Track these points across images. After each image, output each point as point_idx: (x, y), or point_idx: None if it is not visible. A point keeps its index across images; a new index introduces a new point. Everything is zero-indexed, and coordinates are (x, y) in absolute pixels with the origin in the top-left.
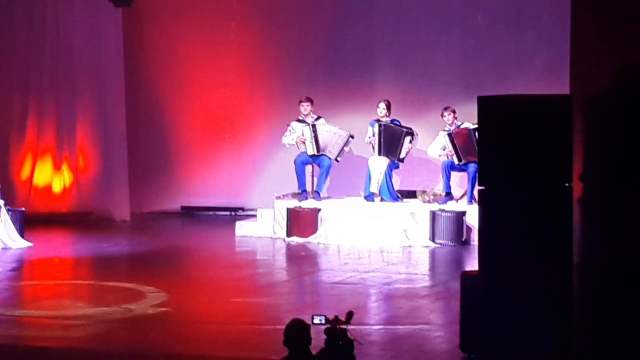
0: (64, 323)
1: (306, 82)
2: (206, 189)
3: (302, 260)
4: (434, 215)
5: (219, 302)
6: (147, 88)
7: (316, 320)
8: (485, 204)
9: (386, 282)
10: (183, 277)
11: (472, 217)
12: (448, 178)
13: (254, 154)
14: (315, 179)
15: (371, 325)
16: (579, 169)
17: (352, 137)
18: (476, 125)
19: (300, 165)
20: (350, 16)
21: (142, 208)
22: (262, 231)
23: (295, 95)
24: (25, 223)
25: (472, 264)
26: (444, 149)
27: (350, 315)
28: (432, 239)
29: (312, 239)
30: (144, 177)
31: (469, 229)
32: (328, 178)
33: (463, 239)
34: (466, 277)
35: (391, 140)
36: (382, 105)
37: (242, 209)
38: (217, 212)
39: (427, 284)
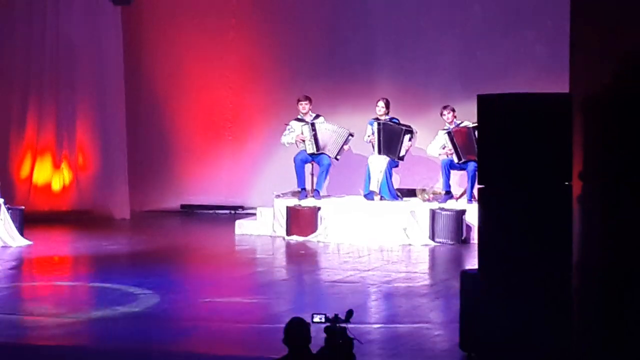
0: (64, 322)
1: (306, 80)
2: (206, 188)
3: (301, 258)
4: (433, 213)
5: (218, 301)
6: (147, 86)
7: (316, 319)
8: (485, 202)
9: (386, 281)
10: (183, 276)
11: (472, 216)
12: (448, 177)
13: (253, 153)
14: (315, 178)
15: (371, 323)
16: (578, 167)
17: (351, 135)
18: (476, 124)
19: (300, 164)
20: (350, 14)
21: (142, 206)
22: (262, 230)
23: (294, 94)
24: (25, 221)
25: (472, 263)
26: (443, 148)
27: (350, 313)
28: (432, 237)
29: (311, 237)
30: (143, 175)
31: (469, 228)
32: (328, 176)
33: (463, 238)
34: (466, 275)
35: (391, 139)
36: (381, 103)
37: (242, 208)
38: (216, 211)
39: (426, 282)
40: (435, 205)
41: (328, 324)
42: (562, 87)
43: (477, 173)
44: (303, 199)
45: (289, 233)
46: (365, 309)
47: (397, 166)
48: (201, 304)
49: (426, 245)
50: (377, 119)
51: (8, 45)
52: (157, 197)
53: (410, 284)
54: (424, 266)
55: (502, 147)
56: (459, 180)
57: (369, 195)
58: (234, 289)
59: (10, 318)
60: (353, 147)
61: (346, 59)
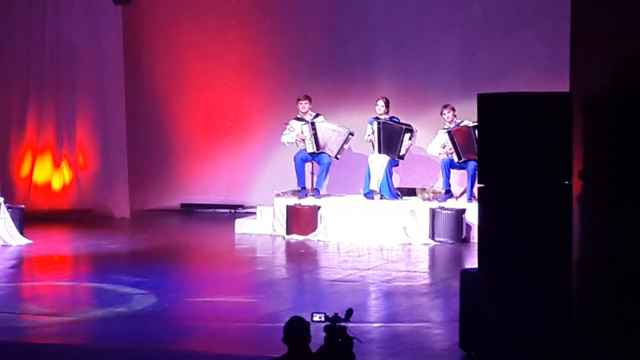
0: (63, 320)
1: (306, 80)
2: (206, 187)
3: (301, 257)
4: (433, 212)
5: (218, 300)
6: (147, 86)
7: (316, 318)
8: (485, 201)
9: (386, 280)
10: (182, 275)
11: (472, 215)
12: (448, 176)
13: (253, 152)
14: (315, 177)
15: (371, 322)
16: (578, 167)
17: (351, 134)
18: (476, 123)
19: (300, 163)
20: (350, 14)
21: (142, 205)
22: (262, 229)
23: (294, 93)
24: (25, 220)
25: (472, 262)
26: (443, 147)
27: (349, 312)
28: (432, 236)
29: (311, 236)
30: (143, 174)
31: (469, 227)
32: (328, 176)
33: (463, 237)
34: (466, 274)
35: (391, 138)
36: (381, 102)
37: (242, 207)
38: (216, 210)
39: (426, 281)
40: (435, 204)
41: (328, 323)
42: (562, 87)
43: (477, 172)
44: (303, 198)
45: (289, 232)
46: (365, 308)
47: (397, 165)
48: (201, 303)
49: (426, 244)
50: (376, 118)
51: (8, 45)
52: (157, 196)
53: (410, 283)
54: (423, 265)
55: (502, 147)
56: (459, 179)
57: (369, 195)
58: (233, 288)
59: (10, 317)
60: (353, 146)
61: (346, 59)
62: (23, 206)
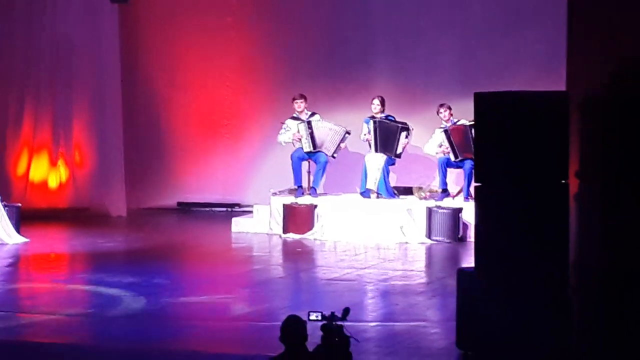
0: (61, 319)
1: (305, 80)
2: (202, 185)
3: (298, 256)
4: (430, 211)
5: (214, 298)
6: (144, 84)
7: (312, 317)
8: (481, 200)
9: (382, 279)
10: (179, 274)
11: (469, 214)
12: (444, 175)
13: (250, 150)
14: (312, 175)
15: (367, 322)
16: (575, 166)
17: (348, 133)
18: (472, 122)
19: (296, 161)
20: (350, 14)
21: (139, 204)
22: (258, 227)
23: (292, 92)
24: (22, 219)
25: (469, 261)
26: (440, 146)
27: (346, 311)
28: (429, 235)
29: (308, 235)
30: (140, 173)
31: (465, 226)
32: (324, 174)
33: (459, 236)
34: (462, 274)
35: (387, 137)
36: (377, 101)
37: (239, 205)
38: (213, 208)
39: (423, 280)
40: (431, 203)
41: (324, 321)
42: (562, 87)
43: (473, 171)
44: (300, 196)
45: (285, 231)
46: (361, 307)
47: (393, 164)
48: (197, 302)
49: (423, 243)
50: (372, 117)
51: (5, 43)
52: (154, 194)
53: (407, 282)
54: (420, 264)
55: (499, 145)
56: (455, 178)
57: (365, 193)
58: (230, 287)
59: (7, 315)
60: (350, 145)
61: (346, 59)
62: (20, 204)
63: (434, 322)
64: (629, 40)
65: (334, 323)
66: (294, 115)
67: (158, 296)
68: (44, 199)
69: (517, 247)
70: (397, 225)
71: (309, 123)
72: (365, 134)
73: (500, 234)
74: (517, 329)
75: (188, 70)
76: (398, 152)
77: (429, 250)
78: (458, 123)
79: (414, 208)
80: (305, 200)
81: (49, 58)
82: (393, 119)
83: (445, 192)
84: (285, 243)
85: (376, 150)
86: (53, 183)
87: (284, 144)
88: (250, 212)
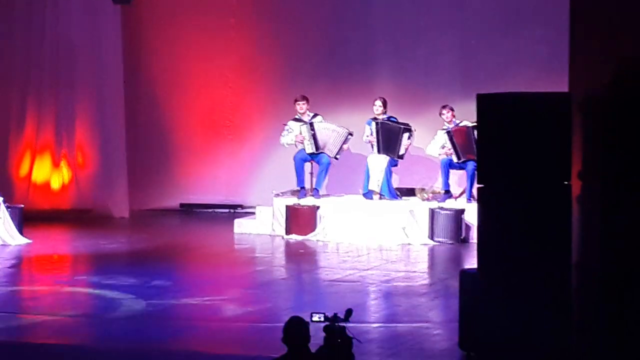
0: (63, 320)
1: (305, 79)
2: (205, 187)
3: (300, 257)
4: (432, 213)
5: (217, 300)
6: (146, 85)
7: (315, 318)
8: (484, 201)
9: (385, 280)
10: (182, 275)
11: (471, 215)
12: (447, 176)
13: (252, 152)
14: (314, 177)
15: (370, 323)
16: (577, 167)
17: (350, 134)
18: (475, 123)
19: (299, 162)
20: (350, 14)
21: (141, 205)
22: (261, 229)
23: (294, 93)
24: (24, 220)
25: (471, 262)
26: (443, 148)
27: (349, 313)
28: (431, 236)
29: (311, 236)
30: (143, 174)
31: (468, 227)
32: (327, 176)
33: (462, 237)
34: (465, 275)
35: (389, 138)
36: (379, 102)
37: (241, 207)
38: (216, 210)
39: (426, 281)
40: (434, 204)
41: (327, 323)
42: (562, 87)
43: (476, 172)
44: (302, 198)
45: (288, 232)
46: (364, 308)
47: (396, 165)
48: (200, 303)
49: (425, 244)
50: (374, 118)
51: (8, 44)
52: (157, 195)
53: (410, 283)
54: (423, 265)
55: (502, 147)
56: (458, 179)
57: (367, 195)
58: (233, 288)
59: (9, 317)
60: (352, 147)
61: (346, 59)
62: (22, 206)
63: (436, 323)
64: (629, 41)
65: (336, 324)
66: (296, 116)
67: (160, 297)
68: (47, 200)
69: (520, 248)
70: (399, 226)
71: (311, 125)
72: (367, 136)
73: (503, 235)
74: (520, 330)
75: (190, 71)
76: (400, 153)
77: (432, 252)
78: (460, 124)
79: (417, 209)
80: (308, 201)
81: (52, 59)
82: (395, 120)
83: (447, 193)
84: (287, 244)
85: (379, 152)
86: (55, 184)
87: (286, 146)
88: (253, 213)
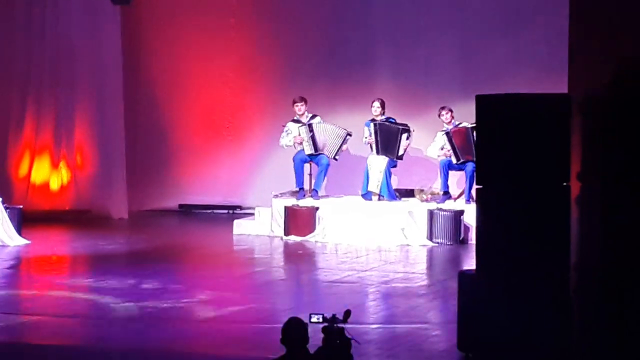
0: (62, 321)
1: (305, 80)
2: (204, 187)
3: (299, 258)
4: (431, 214)
5: (216, 300)
6: (146, 86)
7: (314, 319)
8: (483, 203)
9: (384, 281)
10: (180, 276)
11: (470, 216)
12: (446, 177)
13: (252, 152)
14: (313, 178)
15: (369, 324)
16: (577, 168)
17: (349, 135)
18: (474, 125)
19: (299, 163)
20: (349, 15)
21: (140, 206)
22: (260, 229)
23: (294, 93)
24: (23, 220)
25: (470, 263)
26: (442, 149)
27: (347, 314)
28: (430, 237)
29: (309, 237)
30: (142, 175)
31: (467, 228)
32: (326, 177)
33: (461, 238)
34: (464, 276)
35: (388, 139)
36: (377, 104)
37: (240, 207)
38: (215, 211)
39: (424, 282)
40: (433, 205)
41: (326, 324)
42: (562, 87)
43: (475, 173)
44: (301, 198)
45: (287, 233)
46: (363, 309)
47: (395, 166)
48: (199, 303)
49: (424, 245)
50: (373, 119)
51: (7, 45)
52: (156, 196)
53: (408, 284)
54: (421, 266)
55: (501, 148)
56: (457, 180)
57: (366, 196)
58: (231, 289)
59: (8, 317)
60: (351, 147)
61: (346, 59)
62: (21, 206)
63: (435, 325)
64: (629, 41)
65: (335, 325)
66: (295, 118)
67: (159, 298)
68: (46, 201)
69: (519, 249)
70: (398, 227)
71: (309, 126)
72: (366, 137)
73: (502, 236)
74: (520, 331)
75: (190, 71)
76: (399, 153)
77: (431, 253)
78: (460, 125)
79: (416, 210)
80: (307, 202)
81: (51, 60)
82: (394, 121)
83: (446, 194)
84: (286, 245)
85: (378, 153)
86: (55, 185)
87: (285, 147)
88: (252, 214)
